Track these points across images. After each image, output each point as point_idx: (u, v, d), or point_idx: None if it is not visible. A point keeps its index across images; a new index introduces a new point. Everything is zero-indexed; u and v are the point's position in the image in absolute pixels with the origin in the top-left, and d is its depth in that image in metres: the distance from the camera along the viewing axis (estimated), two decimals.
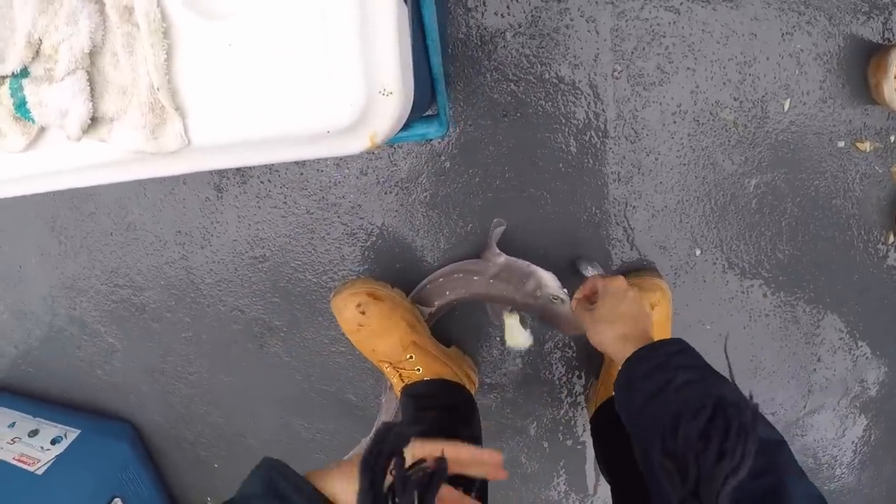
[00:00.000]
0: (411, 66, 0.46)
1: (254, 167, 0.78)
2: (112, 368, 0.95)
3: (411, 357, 0.73)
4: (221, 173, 0.78)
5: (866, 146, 0.77)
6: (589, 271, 0.77)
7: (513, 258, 0.75)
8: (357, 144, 0.48)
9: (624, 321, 0.60)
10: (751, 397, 0.42)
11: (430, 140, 0.74)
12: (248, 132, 0.47)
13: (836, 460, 0.95)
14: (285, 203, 0.79)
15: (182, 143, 0.48)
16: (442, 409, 0.72)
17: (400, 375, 0.74)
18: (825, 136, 0.76)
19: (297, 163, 0.77)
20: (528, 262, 0.74)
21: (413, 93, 0.48)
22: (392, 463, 0.41)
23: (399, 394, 0.75)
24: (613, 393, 0.58)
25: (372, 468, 0.41)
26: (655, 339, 0.62)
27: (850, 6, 0.71)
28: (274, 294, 0.84)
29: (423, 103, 0.68)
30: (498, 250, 0.75)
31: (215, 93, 0.45)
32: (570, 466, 0.94)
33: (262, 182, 0.78)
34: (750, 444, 0.40)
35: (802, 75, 0.73)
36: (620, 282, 0.64)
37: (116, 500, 0.91)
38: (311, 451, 0.91)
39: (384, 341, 0.72)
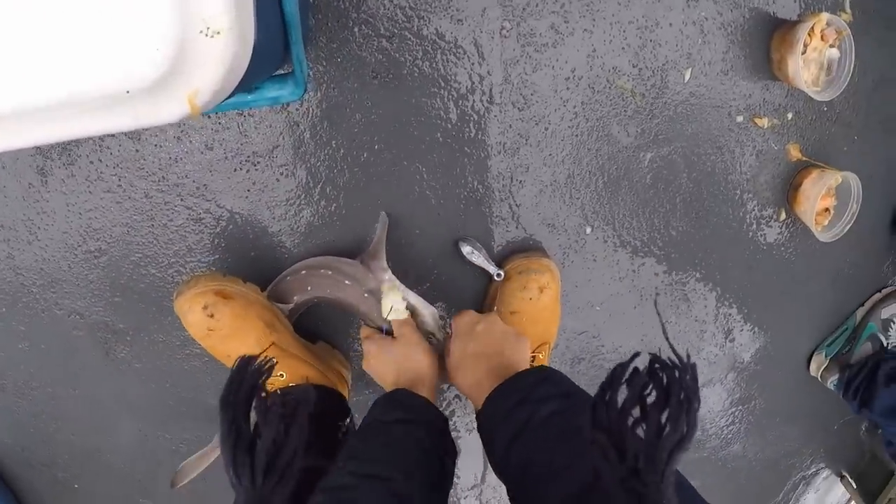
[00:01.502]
0: None
1: (81, 144, 0.63)
2: None
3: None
4: (45, 154, 0.63)
5: (764, 122, 0.74)
6: (474, 256, 0.70)
7: (396, 281, 0.65)
8: (171, 109, 0.36)
9: (476, 362, 0.56)
10: (688, 357, 0.37)
11: (285, 105, 0.62)
12: (16, 97, 0.34)
13: (722, 430, 0.98)
14: (120, 186, 0.65)
15: None
16: (312, 418, 0.63)
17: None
18: (724, 109, 0.72)
19: (130, 137, 0.63)
20: (412, 292, 0.66)
21: (254, 36, 0.36)
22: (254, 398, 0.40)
23: None
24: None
25: (232, 405, 0.39)
26: (527, 352, 0.59)
27: None
28: (114, 293, 0.71)
29: (274, 58, 0.55)
30: (386, 264, 0.65)
31: None
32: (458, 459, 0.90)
33: (91, 162, 0.64)
34: (694, 413, 0.35)
35: (705, 45, 0.69)
36: (466, 317, 0.61)
37: None
38: (176, 462, 0.80)
39: (240, 345, 0.62)
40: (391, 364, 0.61)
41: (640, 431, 0.36)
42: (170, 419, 0.79)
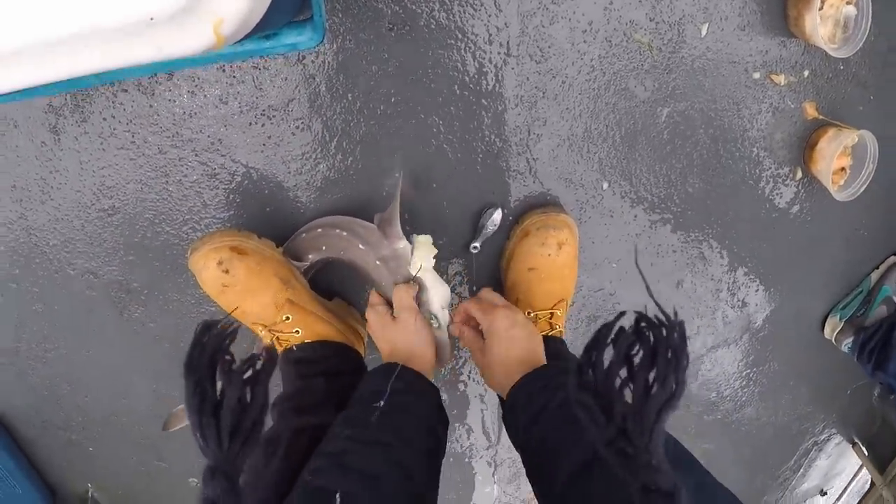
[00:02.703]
0: None
1: (93, 101, 0.63)
2: None
3: (288, 318, 0.63)
4: (58, 111, 0.63)
5: (781, 79, 0.74)
6: (491, 224, 0.69)
7: (411, 249, 0.65)
8: (196, 39, 0.35)
9: (520, 362, 0.57)
10: (675, 314, 0.35)
11: (301, 57, 0.62)
12: (36, 28, 0.33)
13: (737, 393, 0.98)
14: (133, 142, 0.65)
15: None
16: (329, 375, 0.63)
17: (277, 339, 0.64)
18: (741, 65, 0.71)
19: (143, 92, 0.62)
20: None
21: None
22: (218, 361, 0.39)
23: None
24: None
25: (195, 368, 0.39)
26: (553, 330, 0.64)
27: None
28: (128, 252, 0.71)
29: (292, 1, 0.55)
30: (401, 232, 0.64)
31: None
32: (472, 416, 0.90)
33: (104, 119, 0.63)
34: (682, 371, 0.34)
35: None
36: (504, 314, 0.60)
37: None
38: None
39: (255, 301, 0.62)
40: (387, 343, 0.62)
41: (628, 392, 0.35)
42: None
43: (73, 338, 0.77)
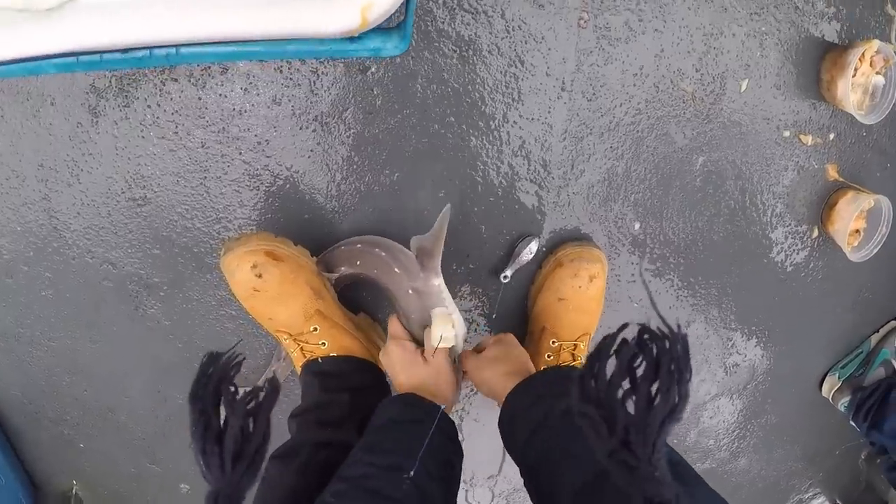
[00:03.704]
0: None
1: (140, 87, 0.61)
2: None
3: (316, 329, 0.62)
4: (99, 93, 0.61)
5: (808, 139, 0.77)
6: (526, 253, 0.70)
7: (445, 289, 0.64)
8: (342, 20, 0.35)
9: (510, 361, 0.59)
10: (678, 327, 0.35)
11: (363, 69, 0.62)
12: None
13: (734, 443, 0.99)
14: (176, 133, 0.63)
15: None
16: (353, 391, 0.62)
17: (301, 349, 0.63)
18: (773, 122, 0.75)
19: (194, 84, 0.61)
20: (454, 308, 0.65)
21: None
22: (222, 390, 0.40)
23: (300, 369, 0.64)
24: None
25: (201, 397, 0.39)
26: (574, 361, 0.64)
27: (819, 1, 0.70)
28: (154, 245, 0.69)
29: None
30: (440, 270, 0.63)
31: None
32: (475, 447, 0.89)
33: (149, 106, 0.62)
34: (685, 383, 0.33)
35: (763, 58, 0.71)
36: (511, 336, 0.65)
37: None
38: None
39: (284, 309, 0.61)
40: (415, 379, 0.61)
41: (630, 405, 0.35)
42: (191, 382, 0.76)
43: (81, 328, 0.74)
